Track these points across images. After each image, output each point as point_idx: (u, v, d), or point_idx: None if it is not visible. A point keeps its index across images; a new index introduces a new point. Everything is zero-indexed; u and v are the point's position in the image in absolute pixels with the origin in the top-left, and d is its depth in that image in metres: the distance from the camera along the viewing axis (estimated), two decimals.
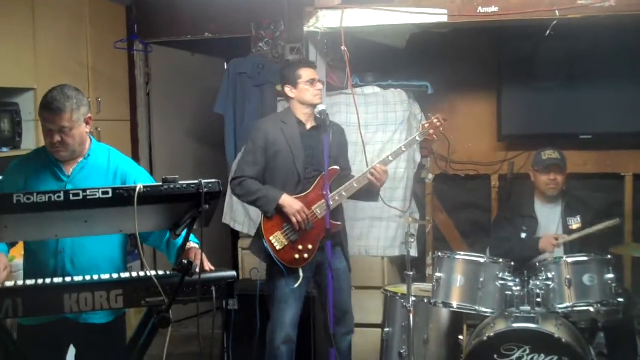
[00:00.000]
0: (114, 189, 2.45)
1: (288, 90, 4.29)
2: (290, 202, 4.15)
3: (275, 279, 4.27)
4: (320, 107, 4.15)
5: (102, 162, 3.20)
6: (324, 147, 4.16)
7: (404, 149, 4.37)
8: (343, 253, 4.37)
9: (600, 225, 4.37)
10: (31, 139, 4.80)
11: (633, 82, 5.37)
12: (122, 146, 3.29)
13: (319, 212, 4.19)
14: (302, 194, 4.22)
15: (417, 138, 4.41)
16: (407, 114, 5.28)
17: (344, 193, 4.23)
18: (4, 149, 4.62)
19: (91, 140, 3.21)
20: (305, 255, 4.20)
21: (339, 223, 4.24)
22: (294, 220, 4.12)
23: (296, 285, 4.21)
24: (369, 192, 4.35)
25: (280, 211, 4.16)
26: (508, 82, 5.63)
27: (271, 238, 4.18)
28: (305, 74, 4.25)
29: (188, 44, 6.46)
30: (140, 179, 3.20)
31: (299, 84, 4.25)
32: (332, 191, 4.19)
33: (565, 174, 4.69)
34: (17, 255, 3.80)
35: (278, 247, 4.18)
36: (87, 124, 3.12)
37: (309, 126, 4.32)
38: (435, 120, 4.39)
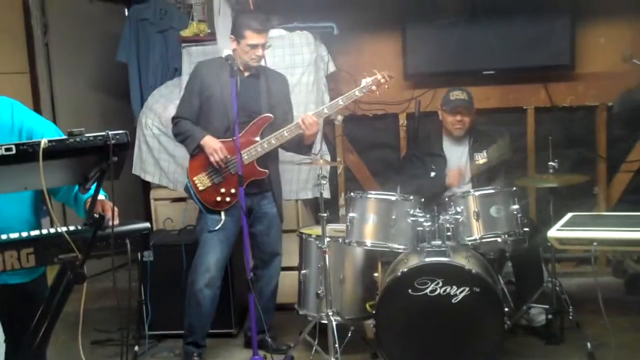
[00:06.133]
0: (17, 145, 2.36)
1: (232, 39, 4.31)
2: (209, 142, 4.22)
3: (200, 221, 4.39)
4: (227, 52, 4.11)
5: (6, 119, 3.02)
6: (259, 95, 4.32)
7: (341, 103, 4.38)
8: (274, 199, 4.44)
9: (498, 158, 4.51)
10: None
11: (533, 18, 5.52)
12: (22, 100, 3.14)
13: (245, 157, 4.23)
14: (232, 139, 4.22)
15: (357, 93, 4.38)
16: (314, 56, 5.27)
17: (273, 141, 4.27)
18: None
19: None
20: (228, 199, 4.27)
21: (266, 170, 4.30)
22: (211, 159, 4.20)
23: (217, 228, 4.28)
24: (301, 144, 4.42)
25: (203, 151, 4.24)
26: (412, 20, 5.69)
27: (195, 178, 4.28)
28: (250, 37, 4.21)
29: None
30: (48, 135, 3.09)
31: (241, 43, 4.24)
32: (264, 138, 4.27)
33: (473, 114, 4.78)
34: None
35: (200, 188, 4.27)
36: None
37: (246, 73, 4.35)
38: (380, 78, 4.35)
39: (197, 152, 4.29)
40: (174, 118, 4.42)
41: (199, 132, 4.28)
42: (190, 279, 4.41)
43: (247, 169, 4.23)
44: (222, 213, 4.29)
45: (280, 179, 4.62)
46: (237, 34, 4.27)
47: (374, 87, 4.38)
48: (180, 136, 4.38)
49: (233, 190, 4.25)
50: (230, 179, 4.25)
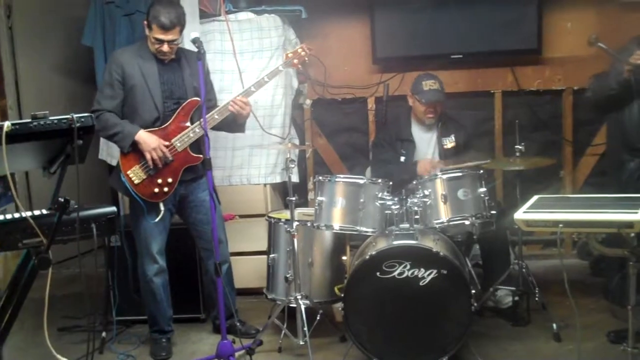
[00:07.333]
0: None
1: (145, 24, 4.17)
2: (145, 139, 4.09)
3: (137, 213, 4.23)
4: (194, 35, 4.03)
5: None
6: (183, 79, 4.19)
7: (266, 79, 4.33)
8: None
9: (473, 162, 4.52)
10: None
11: (501, 2, 5.55)
12: None
13: (178, 144, 4.16)
14: (161, 127, 4.17)
15: (280, 68, 4.39)
16: (282, 40, 5.24)
17: None
18: None
19: None
20: (165, 189, 4.17)
21: (200, 155, 4.19)
22: (148, 157, 4.07)
23: (158, 219, 4.19)
24: (233, 123, 4.34)
25: (135, 144, 4.11)
26: (380, 4, 5.69)
27: (129, 172, 4.13)
28: (155, 31, 4.09)
29: None
30: None
31: (149, 33, 4.13)
32: (193, 123, 4.17)
33: (444, 101, 4.80)
34: None
35: (136, 181, 4.13)
36: None
37: (167, 60, 4.23)
38: (299, 50, 4.38)
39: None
40: (94, 111, 4.14)
41: (130, 127, 4.10)
42: (139, 271, 4.39)
43: (181, 155, 4.16)
44: (161, 204, 4.19)
45: (212, 163, 4.53)
46: (147, 21, 4.13)
47: (295, 61, 4.38)
48: (106, 131, 4.15)
49: (170, 180, 4.16)
50: (165, 169, 4.15)
